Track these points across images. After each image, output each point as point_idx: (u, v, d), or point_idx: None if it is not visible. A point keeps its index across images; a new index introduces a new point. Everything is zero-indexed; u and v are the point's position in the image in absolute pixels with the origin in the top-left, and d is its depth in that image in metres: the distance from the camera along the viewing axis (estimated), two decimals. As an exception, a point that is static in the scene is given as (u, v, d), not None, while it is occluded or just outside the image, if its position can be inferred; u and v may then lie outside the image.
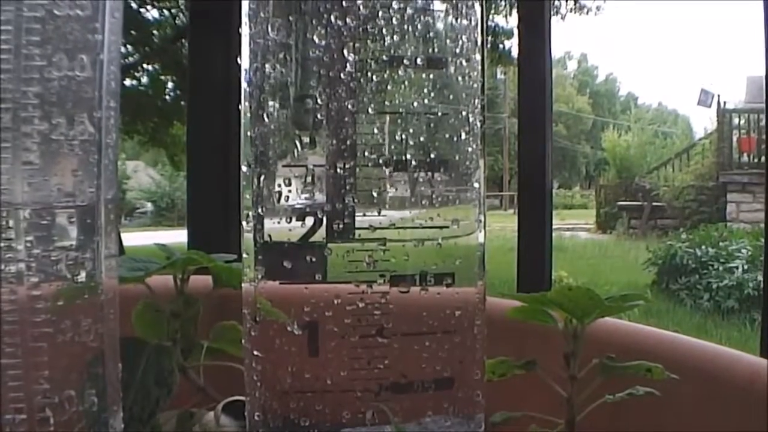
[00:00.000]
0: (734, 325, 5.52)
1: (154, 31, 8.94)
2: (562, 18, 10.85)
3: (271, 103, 0.31)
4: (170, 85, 8.94)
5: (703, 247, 6.89)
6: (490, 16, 9.87)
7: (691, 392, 0.34)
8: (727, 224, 9.50)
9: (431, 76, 0.32)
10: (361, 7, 0.30)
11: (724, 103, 12.52)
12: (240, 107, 0.33)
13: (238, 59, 0.32)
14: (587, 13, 11.10)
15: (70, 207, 0.29)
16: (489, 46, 10.04)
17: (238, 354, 0.41)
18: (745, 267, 6.36)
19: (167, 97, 8.90)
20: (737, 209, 10.65)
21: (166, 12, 9.15)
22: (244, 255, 0.32)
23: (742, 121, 11.76)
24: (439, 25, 0.32)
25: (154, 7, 8.73)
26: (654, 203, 12.15)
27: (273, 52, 0.31)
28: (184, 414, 0.42)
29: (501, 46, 10.21)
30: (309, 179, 0.30)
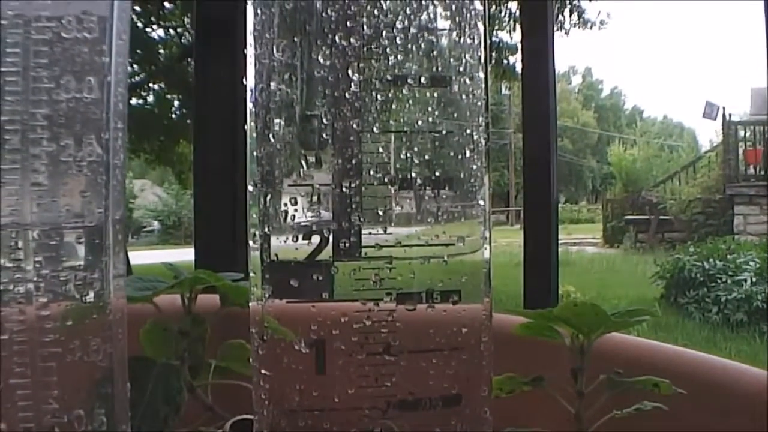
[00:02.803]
0: (744, 338, 5.50)
1: (160, 50, 8.99)
2: (566, 33, 10.87)
3: (276, 122, 0.32)
4: (176, 103, 8.98)
5: (711, 260, 6.87)
6: (494, 32, 9.90)
7: (699, 406, 0.34)
8: (735, 237, 9.48)
9: (435, 94, 0.32)
10: (365, 27, 0.31)
11: (729, 115, 12.51)
12: (246, 127, 0.33)
13: (244, 79, 0.33)
14: (591, 27, 11.12)
15: (78, 227, 0.29)
16: (493, 61, 10.05)
17: (245, 373, 0.41)
18: (754, 279, 6.34)
19: (173, 115, 8.94)
20: (744, 221, 10.62)
21: (172, 31, 9.20)
22: (251, 274, 0.32)
23: (748, 133, 11.76)
24: (443, 43, 0.32)
25: (160, 26, 8.78)
26: (661, 217, 12.13)
27: (278, 72, 0.32)
28: (193, 432, 0.42)
29: (505, 61, 10.24)
30: (315, 198, 0.30)
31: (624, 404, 0.34)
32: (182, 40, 9.79)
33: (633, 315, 0.35)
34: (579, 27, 11.05)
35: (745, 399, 0.33)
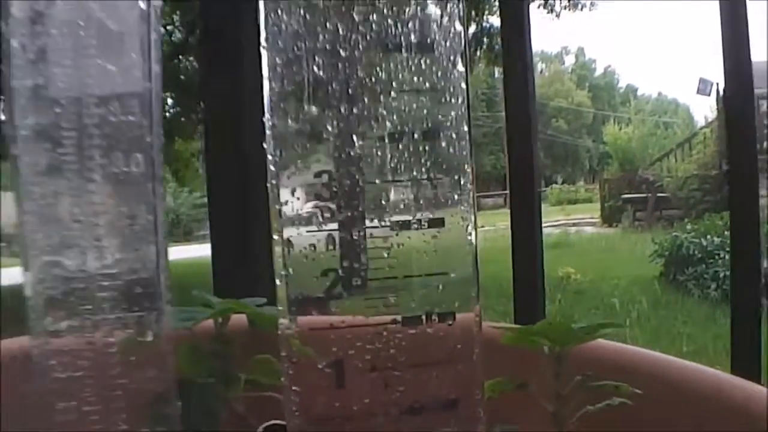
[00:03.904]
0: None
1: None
2: (557, 16, 10.88)
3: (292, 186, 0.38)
4: (170, 101, 9.02)
5: (709, 236, 6.93)
6: (485, 17, 9.93)
7: (660, 399, 0.41)
8: (732, 212, 9.51)
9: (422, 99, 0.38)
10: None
11: (724, 90, 12.54)
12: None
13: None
14: (581, 9, 11.13)
15: (139, 278, 0.36)
16: (485, 46, 10.09)
17: (271, 383, 0.48)
18: (751, 254, 6.40)
19: (167, 113, 8.97)
20: (741, 196, 10.66)
21: (162, 29, 9.20)
22: (279, 307, 0.38)
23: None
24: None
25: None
26: (658, 194, 12.18)
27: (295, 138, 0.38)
28: (228, 438, 0.48)
29: (497, 46, 10.24)
30: (330, 246, 0.36)
31: (598, 402, 0.40)
32: (172, 38, 9.81)
33: (601, 328, 0.41)
34: (569, 9, 11.06)
35: (700, 397, 0.40)
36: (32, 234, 0.35)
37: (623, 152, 16.69)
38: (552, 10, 10.76)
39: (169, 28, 9.76)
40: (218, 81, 1.22)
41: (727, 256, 6.42)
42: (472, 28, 10.01)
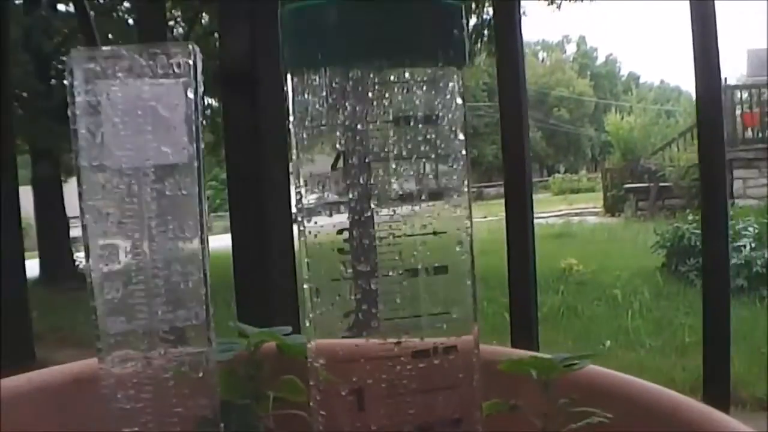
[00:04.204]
0: (744, 304, 5.63)
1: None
2: (558, 7, 10.93)
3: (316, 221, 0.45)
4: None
5: (710, 227, 6.99)
6: (486, 9, 9.98)
7: (631, 418, 0.48)
8: (735, 201, 9.58)
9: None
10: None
11: (725, 78, 12.58)
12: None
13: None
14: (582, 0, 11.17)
15: (191, 325, 0.43)
16: (485, 38, 10.15)
17: (297, 400, 0.55)
18: (753, 245, 6.47)
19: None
20: (744, 185, 10.72)
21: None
22: (308, 345, 0.45)
23: (745, 96, 11.81)
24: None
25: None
26: (661, 184, 12.23)
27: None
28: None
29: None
30: (351, 296, 0.43)
31: (580, 420, 0.47)
32: (173, 33, 9.87)
33: (581, 358, 0.48)
34: (570, 0, 11.10)
35: (663, 417, 0.47)
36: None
37: (625, 141, 16.73)
38: (553, 2, 10.81)
39: (170, 23, 9.82)
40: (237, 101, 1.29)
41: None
42: (473, 20, 10.06)
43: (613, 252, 8.93)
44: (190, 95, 0.42)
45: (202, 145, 0.44)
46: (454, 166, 0.46)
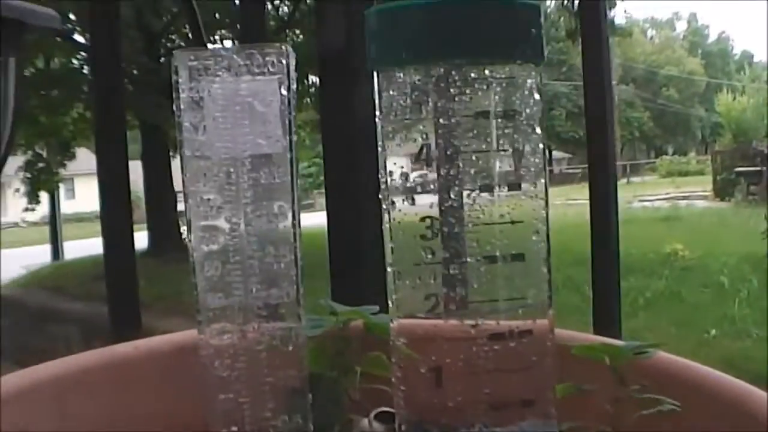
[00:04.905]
0: None
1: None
2: (668, -17, 10.56)
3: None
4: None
5: (825, 213, 6.71)
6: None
7: (700, 406, 0.49)
8: None
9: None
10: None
11: None
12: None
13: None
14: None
15: (283, 302, 0.47)
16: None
17: (381, 375, 0.58)
18: None
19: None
20: None
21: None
22: (391, 324, 0.48)
23: None
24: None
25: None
26: (774, 167, 11.76)
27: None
28: (347, 421, 0.59)
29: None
30: (431, 280, 0.46)
31: (652, 407, 0.49)
32: (279, 12, 10.04)
33: (648, 347, 0.50)
34: (681, -24, 10.72)
35: (729, 405, 0.48)
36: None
37: (737, 122, 16.11)
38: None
39: (276, 2, 9.99)
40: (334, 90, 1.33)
41: None
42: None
43: (721, 238, 8.66)
44: (284, 91, 0.46)
45: (295, 137, 0.47)
46: (532, 159, 0.48)
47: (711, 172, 14.99)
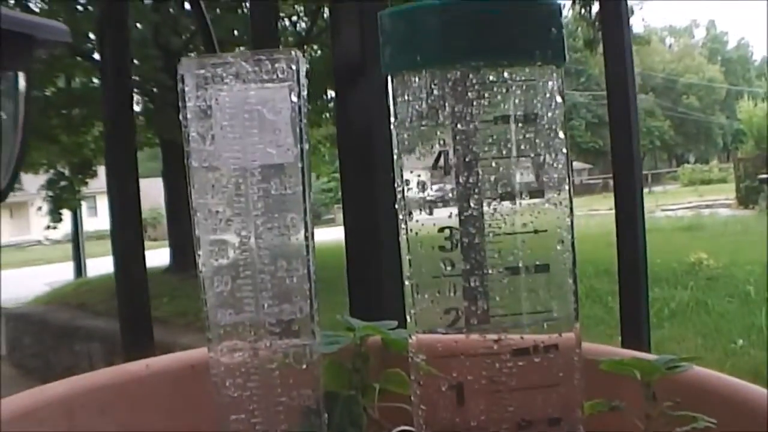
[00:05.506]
0: None
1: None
2: (686, -9, 10.53)
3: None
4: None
5: None
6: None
7: (736, 422, 0.47)
8: None
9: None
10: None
11: None
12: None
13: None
14: (712, -18, 10.73)
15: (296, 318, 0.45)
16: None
17: (401, 392, 0.56)
18: None
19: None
20: None
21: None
22: (410, 339, 0.46)
23: None
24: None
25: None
26: (798, 174, 11.64)
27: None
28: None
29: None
30: (451, 293, 0.44)
31: (685, 424, 0.46)
32: (296, 28, 10.08)
33: (682, 361, 0.47)
34: (699, -17, 10.68)
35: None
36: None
37: (759, 129, 15.98)
38: (681, -14, 10.42)
39: (293, 18, 10.03)
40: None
41: None
42: (596, 7, 9.84)
43: (746, 246, 8.55)
44: (294, 99, 0.44)
45: (307, 146, 0.45)
46: (555, 165, 0.45)
47: (734, 180, 14.88)
